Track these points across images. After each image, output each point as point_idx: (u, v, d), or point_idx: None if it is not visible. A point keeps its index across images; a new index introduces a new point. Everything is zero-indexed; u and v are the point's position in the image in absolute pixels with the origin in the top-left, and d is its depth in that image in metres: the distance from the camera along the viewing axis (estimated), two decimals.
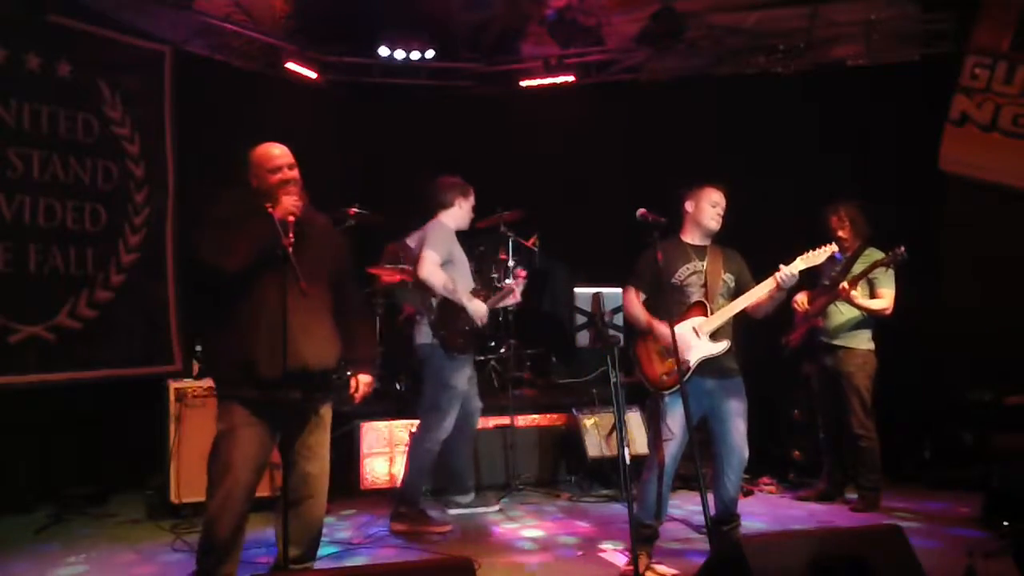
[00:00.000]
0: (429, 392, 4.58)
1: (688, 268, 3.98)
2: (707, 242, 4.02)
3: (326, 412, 3.49)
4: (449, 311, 4.50)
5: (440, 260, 4.48)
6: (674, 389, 3.78)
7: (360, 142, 7.10)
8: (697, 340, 3.86)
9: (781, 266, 3.76)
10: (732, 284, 3.98)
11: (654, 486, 3.85)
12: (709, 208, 3.96)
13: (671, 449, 3.84)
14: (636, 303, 3.99)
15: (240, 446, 3.20)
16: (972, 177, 6.01)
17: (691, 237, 4.04)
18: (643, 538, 3.87)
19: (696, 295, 3.93)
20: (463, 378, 4.56)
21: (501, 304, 4.87)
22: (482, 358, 6.08)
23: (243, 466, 3.19)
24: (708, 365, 3.87)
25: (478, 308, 4.56)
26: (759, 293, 3.83)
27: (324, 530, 4.47)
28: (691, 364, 3.82)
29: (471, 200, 4.77)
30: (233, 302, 3.22)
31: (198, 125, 5.90)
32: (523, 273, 4.77)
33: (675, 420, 3.81)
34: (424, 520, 4.51)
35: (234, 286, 3.20)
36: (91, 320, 5.35)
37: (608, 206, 5.72)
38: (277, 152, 3.38)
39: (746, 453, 3.95)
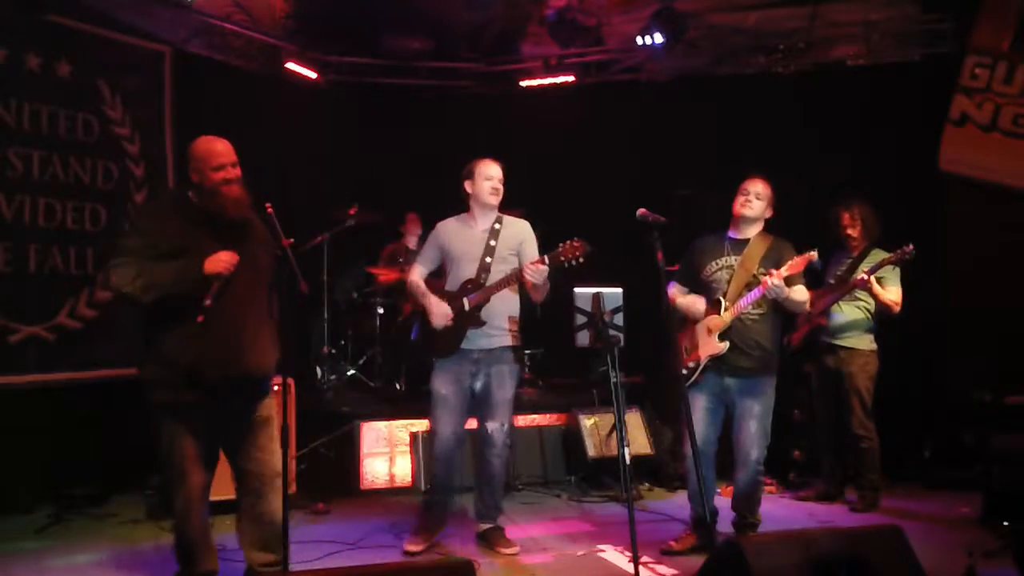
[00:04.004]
0: None
1: (717, 264, 4.07)
2: (749, 235, 4.07)
3: (268, 408, 3.42)
4: (423, 311, 4.26)
5: (419, 266, 4.32)
6: (689, 382, 4.02)
7: (360, 142, 7.11)
8: (707, 338, 4.01)
9: (771, 275, 3.79)
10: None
11: (692, 475, 3.96)
12: (739, 197, 4.08)
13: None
14: (674, 296, 4.18)
15: (188, 451, 3.23)
16: (972, 177, 6.00)
17: (734, 230, 4.11)
18: (693, 520, 4.15)
19: (719, 291, 4.00)
20: (442, 384, 4.15)
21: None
22: None
23: (195, 469, 3.26)
24: (723, 363, 4.00)
25: (434, 308, 4.14)
26: (748, 300, 3.91)
27: (325, 530, 4.51)
28: (702, 361, 4.01)
29: (477, 177, 4.24)
30: (175, 307, 3.16)
31: (198, 125, 5.87)
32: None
33: (695, 413, 3.91)
34: (421, 526, 4.26)
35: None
36: (91, 320, 5.34)
37: (608, 206, 5.71)
38: (220, 148, 3.28)
39: (755, 454, 4.00)
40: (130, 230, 3.38)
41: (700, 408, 4.02)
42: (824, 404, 5.11)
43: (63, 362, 5.18)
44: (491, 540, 4.20)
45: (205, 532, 3.34)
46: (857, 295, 4.89)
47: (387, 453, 5.44)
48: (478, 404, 4.22)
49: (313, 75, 6.82)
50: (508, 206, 6.22)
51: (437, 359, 4.19)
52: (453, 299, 4.16)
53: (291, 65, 6.64)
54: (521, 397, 5.99)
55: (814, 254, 3.86)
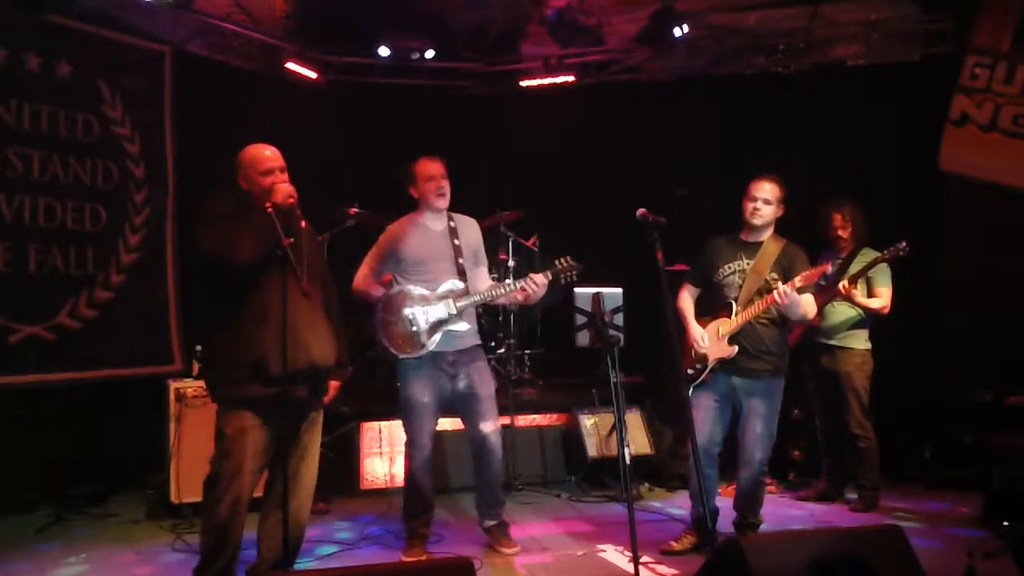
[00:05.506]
0: None
1: (730, 267, 4.09)
2: (762, 238, 4.06)
3: (320, 412, 3.50)
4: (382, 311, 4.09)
5: (367, 268, 4.15)
6: (695, 383, 4.05)
7: (360, 142, 7.10)
8: (717, 341, 4.02)
9: (779, 284, 3.82)
10: (776, 284, 3.98)
11: (693, 474, 3.89)
12: (748, 204, 4.06)
13: (700, 440, 3.83)
14: (683, 298, 4.23)
15: (250, 449, 3.21)
16: (972, 177, 6.00)
17: (746, 234, 4.12)
18: (693, 520, 4.14)
19: (731, 295, 4.01)
20: (422, 390, 4.05)
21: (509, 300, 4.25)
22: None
23: (252, 469, 3.23)
24: (732, 365, 4.01)
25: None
26: (756, 310, 3.93)
27: (323, 531, 4.52)
28: (710, 363, 4.02)
29: (419, 180, 4.11)
30: (238, 301, 3.21)
31: (198, 125, 5.90)
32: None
33: (698, 413, 3.98)
34: (408, 539, 4.15)
35: (240, 284, 3.19)
36: (91, 320, 5.34)
37: (608, 206, 5.71)
38: (268, 154, 3.34)
39: (759, 454, 4.00)
40: (212, 216, 3.29)
41: (706, 407, 4.03)
42: (822, 404, 5.11)
43: (63, 362, 5.17)
44: (495, 537, 4.20)
45: (241, 533, 3.28)
46: None
47: (387, 453, 5.45)
48: (463, 405, 4.14)
49: (313, 75, 6.81)
50: (508, 206, 6.23)
51: (410, 361, 4.03)
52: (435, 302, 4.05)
53: (291, 65, 6.64)
54: (521, 397, 6.00)
55: (828, 266, 3.88)
